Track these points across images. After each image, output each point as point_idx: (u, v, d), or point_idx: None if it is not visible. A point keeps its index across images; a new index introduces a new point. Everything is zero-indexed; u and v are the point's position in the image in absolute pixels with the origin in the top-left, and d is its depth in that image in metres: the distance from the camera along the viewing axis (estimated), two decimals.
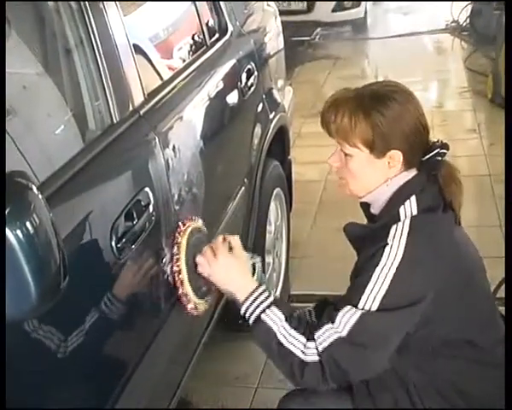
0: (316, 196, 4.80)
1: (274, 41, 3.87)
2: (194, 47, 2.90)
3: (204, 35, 2.96)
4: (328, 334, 1.75)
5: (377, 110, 1.79)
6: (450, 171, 1.88)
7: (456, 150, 1.95)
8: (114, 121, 2.02)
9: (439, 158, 1.85)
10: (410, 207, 1.82)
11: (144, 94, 2.20)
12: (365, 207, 1.98)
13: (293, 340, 1.78)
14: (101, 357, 1.84)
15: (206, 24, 3.03)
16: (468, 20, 9.09)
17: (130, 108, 2.10)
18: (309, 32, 9.73)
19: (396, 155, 1.82)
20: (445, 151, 1.87)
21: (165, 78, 2.53)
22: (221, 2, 3.16)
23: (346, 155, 1.86)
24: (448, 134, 5.54)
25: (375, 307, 1.72)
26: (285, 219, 3.71)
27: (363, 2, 9.81)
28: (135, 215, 1.91)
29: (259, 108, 3.27)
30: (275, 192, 3.45)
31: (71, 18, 1.98)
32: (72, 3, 1.98)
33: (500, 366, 1.83)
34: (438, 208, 1.83)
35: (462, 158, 4.92)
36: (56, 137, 1.89)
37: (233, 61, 3.04)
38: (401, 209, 1.82)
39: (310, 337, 1.78)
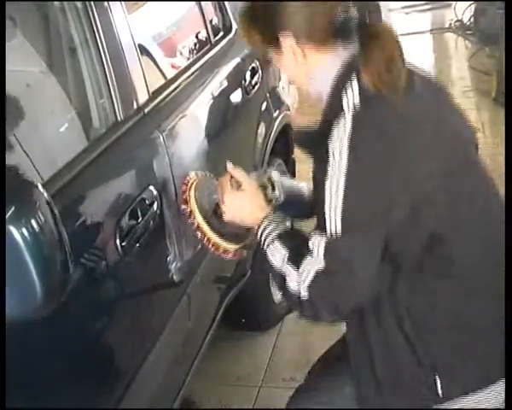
0: None
1: None
2: (198, 45, 2.90)
3: (208, 33, 2.96)
4: (308, 269, 1.65)
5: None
6: (373, 30, 1.64)
7: None
8: (119, 119, 2.02)
9: (355, 21, 1.65)
10: (352, 96, 1.61)
11: (149, 92, 2.19)
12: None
13: (289, 276, 1.70)
14: (104, 356, 1.84)
15: (211, 22, 3.03)
16: (471, 19, 9.07)
17: (135, 107, 2.10)
18: None
19: (286, 41, 1.67)
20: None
21: (170, 76, 2.53)
22: (225, 1, 3.16)
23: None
24: None
25: (339, 230, 1.58)
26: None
27: None
28: (139, 214, 1.91)
29: (263, 107, 3.26)
30: None
31: (76, 16, 1.98)
32: (77, 2, 1.98)
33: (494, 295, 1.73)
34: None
35: None
36: (60, 136, 1.89)
37: (237, 60, 3.03)
38: (344, 100, 1.61)
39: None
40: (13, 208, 1.19)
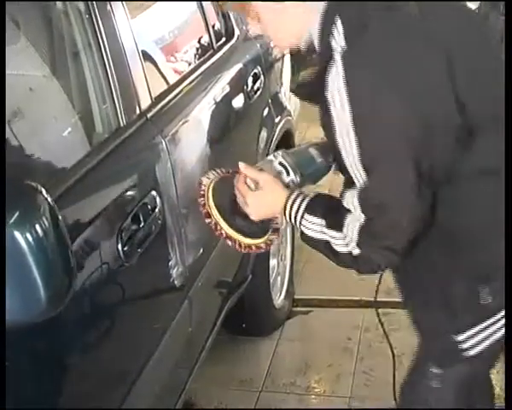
0: None
1: None
2: (200, 51, 2.90)
3: (211, 39, 2.97)
4: (351, 227, 1.65)
5: None
6: None
7: None
8: (121, 124, 2.02)
9: None
10: (338, 36, 1.55)
11: (151, 97, 2.20)
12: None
13: (335, 240, 1.70)
14: (106, 360, 1.84)
15: (213, 27, 3.03)
16: None
17: (138, 112, 2.11)
18: None
19: None
20: None
21: (172, 81, 2.53)
22: None
23: (257, 14, 1.68)
24: None
25: (364, 177, 1.57)
26: (289, 223, 3.70)
27: None
28: (141, 219, 1.91)
29: (265, 113, 3.27)
30: None
31: (79, 21, 1.99)
32: (81, 6, 1.98)
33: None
34: (372, 15, 1.55)
35: None
36: (63, 140, 1.90)
37: (239, 65, 3.04)
38: (333, 42, 1.56)
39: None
40: (17, 213, 1.19)
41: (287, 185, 1.89)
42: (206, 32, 2.97)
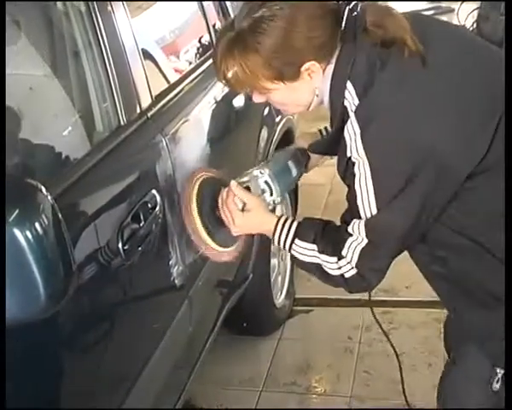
0: (321, 200, 4.80)
1: None
2: (201, 49, 2.90)
3: (211, 38, 2.97)
4: (352, 249, 1.72)
5: (257, 42, 1.60)
6: (375, 10, 1.66)
7: None
8: (122, 123, 2.02)
9: (355, 13, 1.65)
10: (350, 97, 1.64)
11: (152, 96, 2.20)
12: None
13: (327, 264, 1.77)
14: (105, 360, 1.84)
15: (214, 27, 3.03)
16: (474, 25, 9.07)
17: (138, 111, 2.11)
18: None
19: (311, 67, 1.65)
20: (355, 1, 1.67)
21: (173, 80, 2.54)
22: (228, 5, 3.17)
23: (267, 91, 1.71)
24: None
25: (374, 211, 1.65)
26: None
27: None
28: (142, 217, 1.91)
29: (266, 112, 3.27)
30: None
31: (79, 20, 1.99)
32: (81, 6, 1.98)
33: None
34: (377, 68, 1.62)
35: None
36: (64, 139, 1.89)
37: None
38: (346, 103, 1.65)
39: (338, 254, 1.76)
40: (17, 211, 1.19)
41: (268, 204, 1.95)
42: (206, 30, 2.97)
